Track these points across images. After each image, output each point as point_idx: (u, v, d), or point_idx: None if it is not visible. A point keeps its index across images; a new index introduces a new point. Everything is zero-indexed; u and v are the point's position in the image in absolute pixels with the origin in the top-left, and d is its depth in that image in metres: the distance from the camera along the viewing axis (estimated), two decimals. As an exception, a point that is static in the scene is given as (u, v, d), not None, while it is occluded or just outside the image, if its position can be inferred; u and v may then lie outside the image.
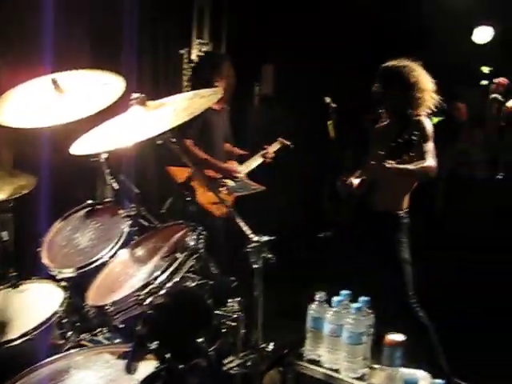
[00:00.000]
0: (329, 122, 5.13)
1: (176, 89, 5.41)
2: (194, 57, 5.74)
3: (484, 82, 7.54)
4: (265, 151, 4.40)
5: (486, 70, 8.07)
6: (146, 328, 1.57)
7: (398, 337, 2.14)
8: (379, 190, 3.14)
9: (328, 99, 5.09)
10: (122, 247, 2.36)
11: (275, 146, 4.54)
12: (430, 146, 3.09)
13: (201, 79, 3.98)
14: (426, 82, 3.14)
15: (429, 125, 3.13)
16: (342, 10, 5.94)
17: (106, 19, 4.60)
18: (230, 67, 4.08)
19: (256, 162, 4.35)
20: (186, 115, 1.93)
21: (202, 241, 2.09)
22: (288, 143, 4.63)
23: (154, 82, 5.35)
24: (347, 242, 3.46)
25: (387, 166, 2.91)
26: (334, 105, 5.08)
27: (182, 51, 5.69)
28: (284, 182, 5.70)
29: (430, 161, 3.06)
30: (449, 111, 6.10)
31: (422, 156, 3.05)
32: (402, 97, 3.14)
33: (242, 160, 4.36)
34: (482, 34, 6.33)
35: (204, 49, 5.87)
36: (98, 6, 4.59)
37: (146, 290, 1.90)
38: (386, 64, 3.23)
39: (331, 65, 6.05)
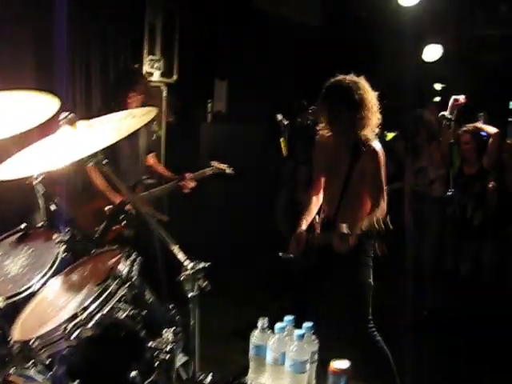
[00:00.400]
0: (281, 139, 5.08)
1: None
2: (144, 73, 5.64)
3: (437, 99, 7.68)
4: (178, 182, 4.01)
5: (438, 86, 8.21)
6: (64, 366, 1.46)
7: (343, 364, 2.07)
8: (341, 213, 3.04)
9: (280, 116, 5.03)
10: (54, 274, 2.23)
11: (206, 172, 4.18)
12: (382, 184, 2.95)
13: (115, 95, 3.96)
14: (372, 101, 2.95)
15: (381, 153, 2.99)
16: (292, 28, 5.96)
17: (52, 38, 4.46)
18: (146, 84, 4.06)
19: (164, 190, 4.07)
20: (117, 136, 1.84)
21: (137, 267, 1.98)
22: (223, 167, 4.28)
23: (103, 98, 5.22)
24: (307, 265, 3.27)
25: (351, 243, 2.79)
26: (285, 122, 5.03)
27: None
28: (236, 200, 5.64)
29: (382, 208, 2.88)
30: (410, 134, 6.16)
31: (376, 193, 2.94)
32: (347, 116, 2.94)
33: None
34: (432, 52, 6.43)
35: (156, 65, 5.78)
36: (45, 21, 4.45)
37: (74, 322, 1.78)
38: (332, 80, 3.00)
39: (284, 82, 6.05)
